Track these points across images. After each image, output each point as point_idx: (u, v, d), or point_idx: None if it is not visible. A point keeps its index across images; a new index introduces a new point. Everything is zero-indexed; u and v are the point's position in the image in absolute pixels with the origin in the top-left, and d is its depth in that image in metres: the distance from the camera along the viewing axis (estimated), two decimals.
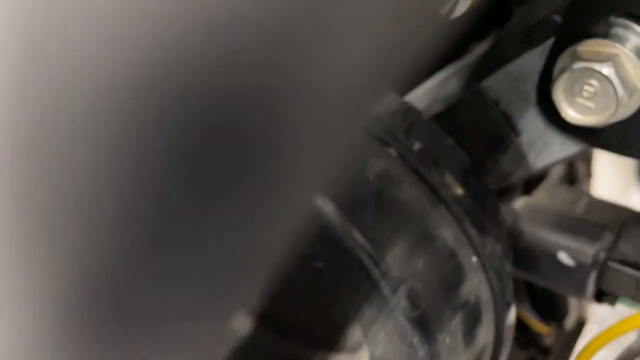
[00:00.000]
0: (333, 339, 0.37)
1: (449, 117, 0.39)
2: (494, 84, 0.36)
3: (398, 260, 0.29)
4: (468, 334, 0.31)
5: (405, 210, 0.31)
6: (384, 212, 0.30)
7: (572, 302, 0.52)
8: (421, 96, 0.50)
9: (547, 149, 0.36)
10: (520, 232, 0.37)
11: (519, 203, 0.38)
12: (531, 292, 0.56)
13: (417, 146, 0.32)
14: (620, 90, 0.30)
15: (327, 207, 0.30)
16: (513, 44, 0.37)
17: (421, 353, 0.29)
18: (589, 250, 0.35)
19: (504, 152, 0.38)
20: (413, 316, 0.29)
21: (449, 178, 0.32)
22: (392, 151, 0.32)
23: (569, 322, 0.55)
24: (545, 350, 0.51)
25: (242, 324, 0.46)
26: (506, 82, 0.36)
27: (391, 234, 0.30)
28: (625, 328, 0.23)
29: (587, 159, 0.52)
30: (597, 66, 0.30)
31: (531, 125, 0.36)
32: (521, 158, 0.37)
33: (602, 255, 0.35)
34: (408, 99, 0.50)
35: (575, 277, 0.35)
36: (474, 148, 0.39)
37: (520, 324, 0.57)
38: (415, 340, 0.29)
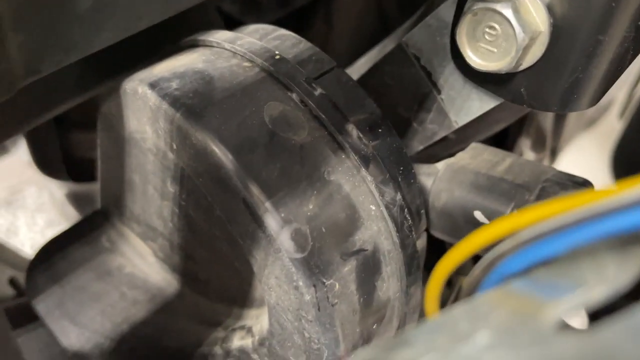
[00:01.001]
0: (243, 293, 0.36)
1: (374, 75, 0.39)
2: (414, 38, 0.36)
3: (286, 202, 0.29)
4: (363, 284, 0.30)
5: (299, 154, 0.30)
6: (275, 154, 0.29)
7: None
8: (363, 63, 0.49)
9: (466, 106, 0.35)
10: (440, 191, 0.36)
11: (442, 163, 0.37)
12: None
13: (318, 92, 0.32)
14: (520, 33, 0.28)
15: (217, 147, 0.29)
16: None
17: (307, 297, 0.28)
18: (503, 209, 0.34)
19: (428, 111, 0.37)
20: (297, 258, 0.28)
21: (351, 126, 0.31)
22: (295, 96, 0.32)
23: None
24: None
25: (169, 285, 0.45)
26: (425, 35, 0.35)
27: (281, 176, 0.29)
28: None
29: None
30: (497, 6, 0.29)
31: (451, 81, 0.35)
32: (443, 116, 0.37)
33: None
34: (353, 68, 0.50)
35: None
36: (400, 107, 0.38)
37: None
38: (300, 283, 0.28)
